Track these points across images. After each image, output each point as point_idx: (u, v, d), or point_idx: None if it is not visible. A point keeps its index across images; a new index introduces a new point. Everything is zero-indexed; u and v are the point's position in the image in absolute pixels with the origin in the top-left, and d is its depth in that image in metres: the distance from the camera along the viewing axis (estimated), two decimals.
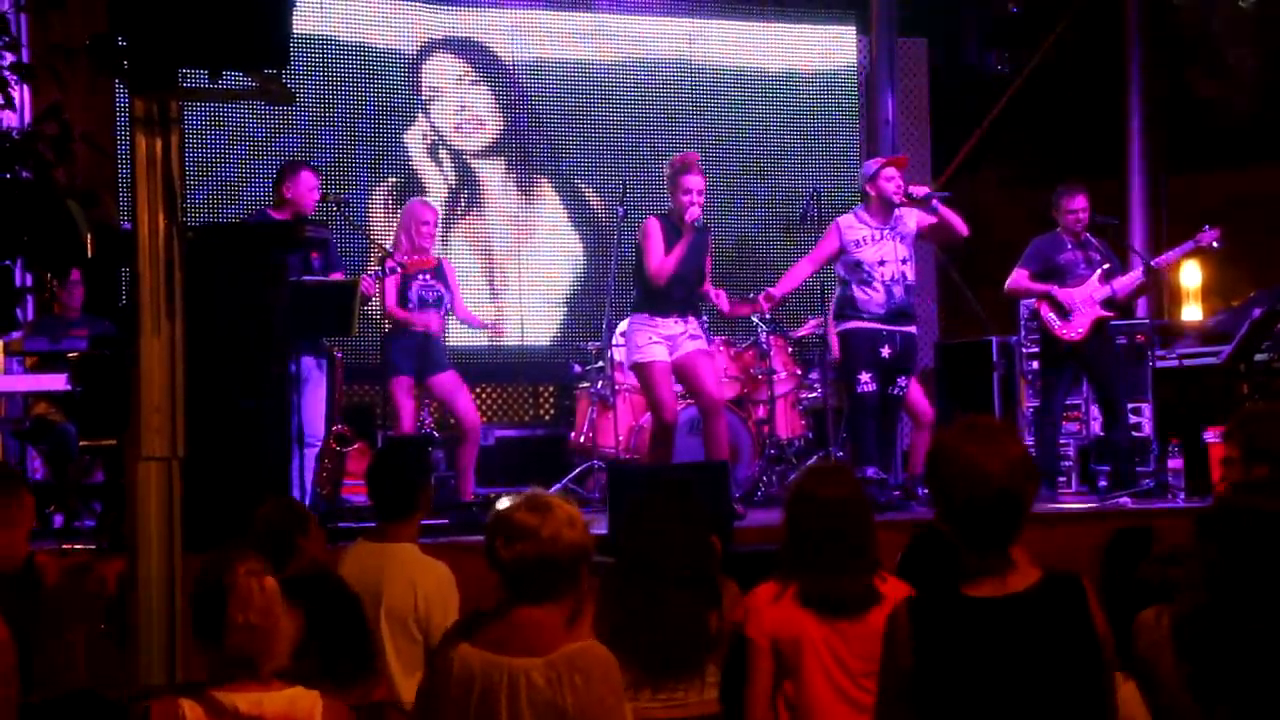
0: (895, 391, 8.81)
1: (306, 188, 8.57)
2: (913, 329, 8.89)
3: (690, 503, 4.99)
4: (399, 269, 8.74)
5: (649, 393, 8.67)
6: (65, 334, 8.56)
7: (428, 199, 9.58)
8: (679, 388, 8.80)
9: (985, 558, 3.25)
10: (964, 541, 3.25)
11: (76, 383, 7.91)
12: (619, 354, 9.44)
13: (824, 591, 4.41)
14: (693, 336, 8.61)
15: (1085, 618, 3.22)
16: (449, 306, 9.10)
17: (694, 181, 8.42)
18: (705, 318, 8.93)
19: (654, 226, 8.53)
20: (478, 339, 10.70)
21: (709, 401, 8.58)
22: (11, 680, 3.70)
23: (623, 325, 9.21)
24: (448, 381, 9.04)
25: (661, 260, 8.44)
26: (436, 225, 9.22)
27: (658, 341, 8.51)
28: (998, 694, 3.18)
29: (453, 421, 9.38)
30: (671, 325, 8.54)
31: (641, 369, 8.60)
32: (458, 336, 10.56)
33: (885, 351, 8.69)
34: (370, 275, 8.72)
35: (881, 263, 8.71)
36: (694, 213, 8.36)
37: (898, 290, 8.73)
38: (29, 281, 7.47)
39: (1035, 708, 3.18)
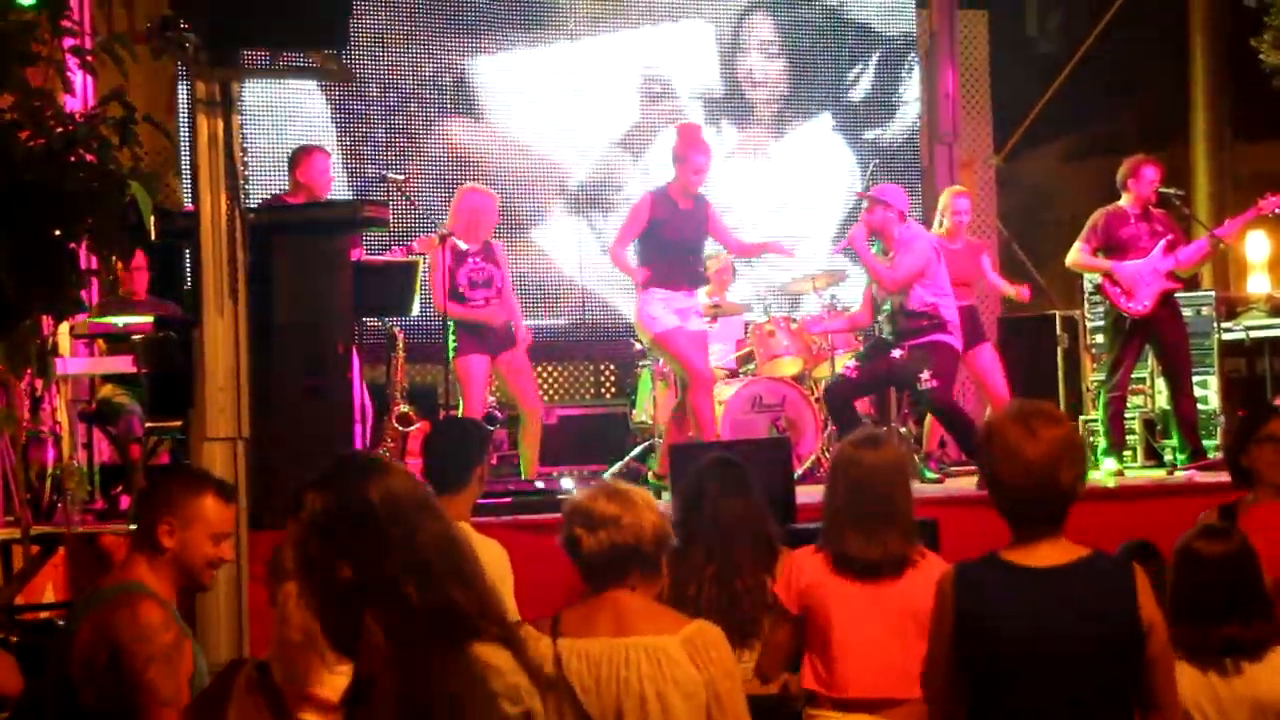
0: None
1: (319, 170, 8.60)
2: (914, 343, 8.59)
3: (741, 473, 5.20)
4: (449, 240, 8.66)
5: (678, 359, 8.60)
6: (130, 316, 8.61)
7: (482, 186, 9.43)
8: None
9: (1031, 533, 3.34)
10: (1008, 517, 3.36)
11: (142, 364, 7.96)
12: None
13: (857, 554, 4.50)
14: (697, 314, 8.69)
15: (1128, 597, 3.28)
16: (500, 287, 8.92)
17: (702, 159, 8.45)
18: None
19: (640, 208, 8.53)
20: (539, 319, 10.67)
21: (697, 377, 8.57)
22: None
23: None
24: (515, 359, 8.97)
25: (614, 247, 8.61)
26: (495, 213, 9.03)
27: (671, 312, 8.49)
28: (1031, 658, 3.26)
29: (514, 403, 9.31)
30: (682, 299, 8.54)
31: (665, 338, 8.52)
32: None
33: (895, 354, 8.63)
34: (401, 247, 8.71)
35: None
36: (696, 184, 8.46)
37: (883, 320, 8.73)
38: (94, 264, 7.48)
39: (1066, 675, 3.25)
